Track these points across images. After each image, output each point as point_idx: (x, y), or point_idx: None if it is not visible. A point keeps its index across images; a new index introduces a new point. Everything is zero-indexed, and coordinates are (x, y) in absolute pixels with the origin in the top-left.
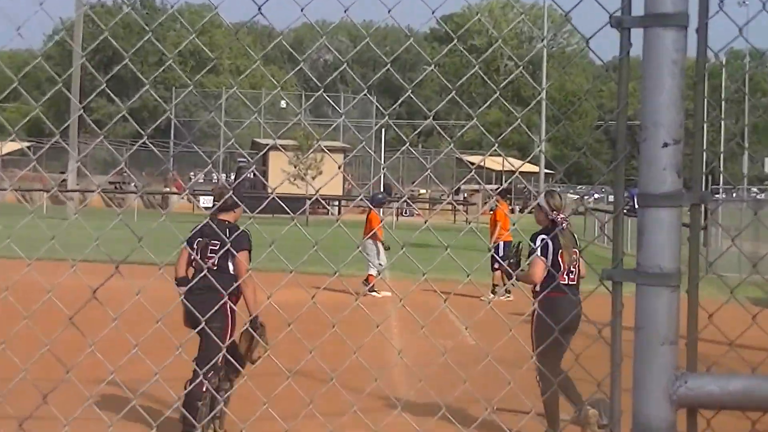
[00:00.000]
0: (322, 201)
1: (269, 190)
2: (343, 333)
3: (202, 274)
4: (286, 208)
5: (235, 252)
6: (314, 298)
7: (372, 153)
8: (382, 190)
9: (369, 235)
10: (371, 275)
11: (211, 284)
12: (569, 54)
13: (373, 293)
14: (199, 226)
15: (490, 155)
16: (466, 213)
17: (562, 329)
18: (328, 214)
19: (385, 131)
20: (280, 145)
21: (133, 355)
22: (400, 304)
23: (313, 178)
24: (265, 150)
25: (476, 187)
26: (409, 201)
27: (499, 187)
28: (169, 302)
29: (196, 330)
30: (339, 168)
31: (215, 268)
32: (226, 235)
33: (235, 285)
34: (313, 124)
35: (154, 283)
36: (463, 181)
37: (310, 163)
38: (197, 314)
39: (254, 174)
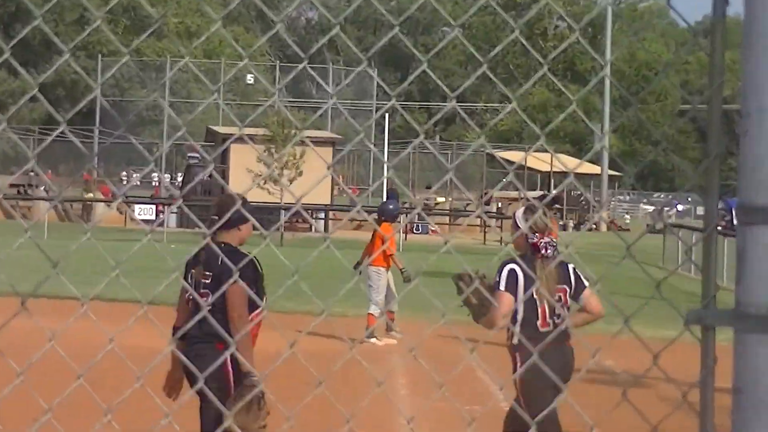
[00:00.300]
0: (303, 212)
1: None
2: (333, 393)
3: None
4: (255, 223)
5: (228, 284)
6: (294, 347)
7: (372, 147)
8: (386, 197)
9: (373, 258)
10: (372, 315)
11: (207, 331)
12: (642, 13)
13: (373, 340)
14: (196, 251)
15: (535, 151)
16: (500, 230)
17: (549, 390)
18: (311, 230)
19: (389, 117)
20: (247, 135)
21: (44, 423)
22: (410, 354)
23: (291, 182)
24: (227, 144)
25: (515, 194)
26: (422, 213)
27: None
28: (96, 349)
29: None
30: (328, 168)
31: (210, 308)
32: (220, 262)
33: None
34: (291, 107)
35: (75, 325)
36: (497, 187)
37: (286, 161)
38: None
39: (210, 175)
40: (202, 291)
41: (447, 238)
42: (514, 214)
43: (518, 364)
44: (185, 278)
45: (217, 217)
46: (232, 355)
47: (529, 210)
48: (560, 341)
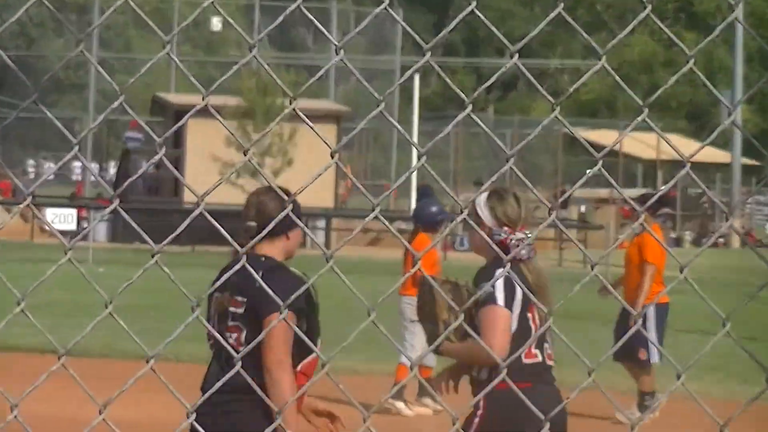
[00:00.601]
0: (296, 219)
1: (188, 198)
2: None
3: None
4: (226, 235)
5: (263, 316)
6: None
7: (396, 124)
8: (417, 197)
9: (402, 282)
10: (403, 366)
11: (237, 384)
12: None
13: (400, 405)
14: (222, 269)
15: (634, 130)
16: (583, 246)
17: None
18: (305, 244)
19: (421, 81)
20: (212, 106)
21: None
22: (453, 427)
23: (277, 175)
24: (184, 119)
25: (604, 192)
26: (469, 220)
27: (648, 194)
28: None
29: None
30: (331, 155)
31: (241, 349)
32: (259, 283)
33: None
34: (277, 66)
35: None
36: (579, 183)
37: (270, 144)
38: None
39: (157, 165)
40: (230, 324)
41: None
42: (473, 203)
43: (481, 416)
44: (209, 306)
45: (254, 224)
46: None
47: (497, 195)
48: (549, 381)
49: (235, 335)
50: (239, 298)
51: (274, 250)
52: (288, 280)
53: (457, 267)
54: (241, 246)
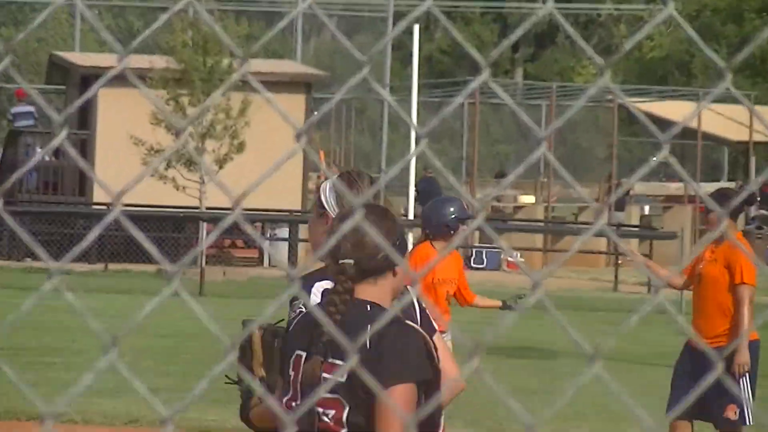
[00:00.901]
0: (246, 226)
1: (97, 198)
2: None
3: None
4: (152, 248)
5: (379, 388)
6: None
7: (386, 96)
8: (418, 190)
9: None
10: None
11: None
12: None
13: None
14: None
15: (715, 102)
16: (647, 263)
17: None
18: (261, 262)
19: (421, 35)
20: (133, 70)
21: None
22: None
23: (222, 165)
24: (94, 89)
25: (675, 187)
26: (487, 228)
27: (727, 189)
28: None
29: None
30: (298, 138)
31: (343, 428)
32: (368, 344)
33: None
34: (222, 13)
35: None
36: (640, 173)
37: (213, 122)
38: None
39: (55, 153)
40: (326, 397)
41: (537, 278)
42: (318, 189)
43: None
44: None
45: (351, 261)
46: None
47: (347, 178)
48: None
49: (332, 412)
50: (335, 360)
51: (381, 292)
52: (407, 337)
53: (476, 289)
54: (339, 293)
